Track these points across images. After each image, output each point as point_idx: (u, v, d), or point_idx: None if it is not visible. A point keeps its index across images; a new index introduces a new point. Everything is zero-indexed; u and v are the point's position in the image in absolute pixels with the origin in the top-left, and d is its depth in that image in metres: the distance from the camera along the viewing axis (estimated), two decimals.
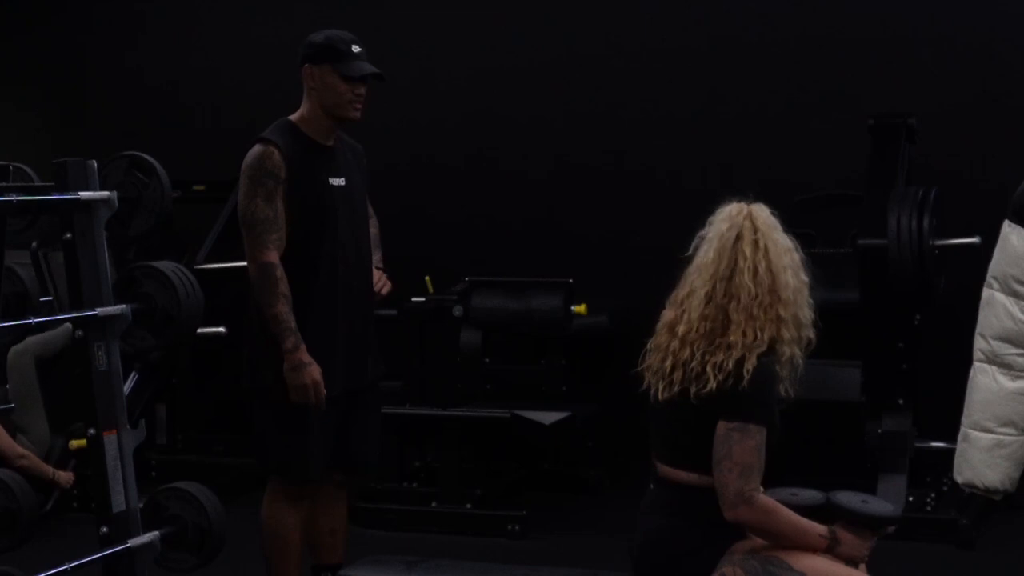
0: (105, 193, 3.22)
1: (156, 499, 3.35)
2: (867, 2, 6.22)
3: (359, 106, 3.95)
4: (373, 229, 4.20)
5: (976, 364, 3.96)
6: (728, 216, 3.19)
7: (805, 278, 3.15)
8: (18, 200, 3.09)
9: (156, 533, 3.25)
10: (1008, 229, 3.86)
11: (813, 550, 3.03)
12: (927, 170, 5.61)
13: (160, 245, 5.68)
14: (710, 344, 3.05)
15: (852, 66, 6.16)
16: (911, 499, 5.23)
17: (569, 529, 5.48)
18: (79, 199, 3.16)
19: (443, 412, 5.53)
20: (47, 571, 2.96)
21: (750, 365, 2.99)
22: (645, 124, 6.50)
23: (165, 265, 3.35)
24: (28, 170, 3.48)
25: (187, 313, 3.30)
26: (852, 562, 3.08)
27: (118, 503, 3.18)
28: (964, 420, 4.01)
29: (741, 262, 3.09)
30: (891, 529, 3.15)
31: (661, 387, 3.10)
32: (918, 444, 5.38)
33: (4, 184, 3.26)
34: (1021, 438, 3.92)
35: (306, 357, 3.80)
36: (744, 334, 3.02)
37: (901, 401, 5.34)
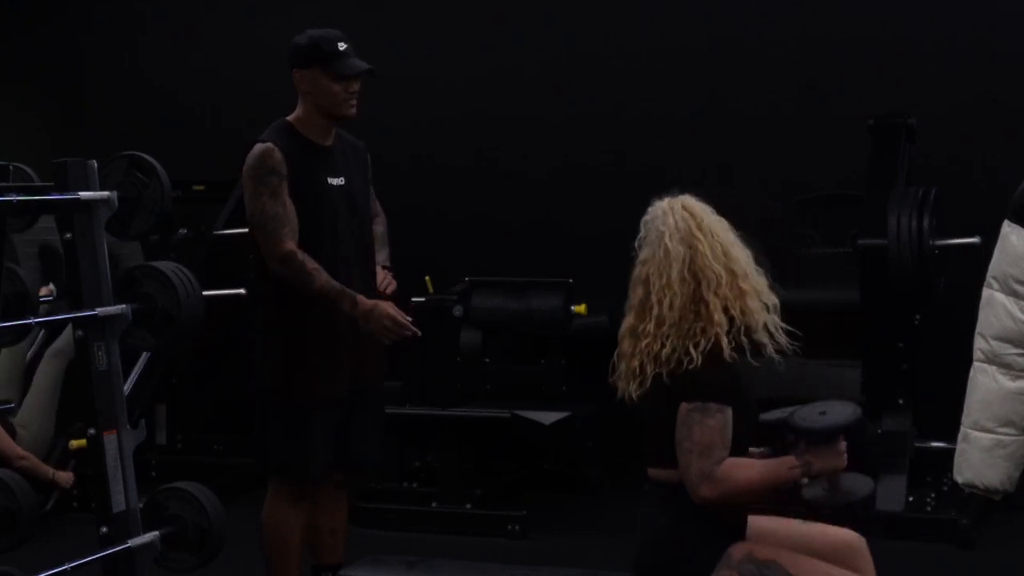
0: (105, 193, 3.22)
1: (156, 499, 3.35)
2: (867, 2, 6.22)
3: (354, 103, 3.94)
4: (379, 227, 4.20)
5: (976, 364, 3.95)
6: (665, 212, 3.26)
7: (748, 249, 3.22)
8: (18, 200, 3.09)
9: (156, 533, 3.25)
10: (1008, 229, 3.86)
11: (792, 485, 3.04)
12: (927, 170, 5.61)
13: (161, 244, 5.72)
14: (680, 331, 3.08)
15: (852, 66, 6.16)
16: (911, 499, 5.23)
17: (569, 529, 5.48)
18: (79, 199, 3.16)
19: (443, 412, 5.53)
20: (47, 571, 2.96)
21: (708, 345, 3.05)
22: (645, 124, 6.50)
23: (165, 265, 3.35)
24: (28, 170, 3.48)
25: (187, 313, 3.30)
26: (834, 474, 3.06)
27: (118, 503, 3.18)
28: (964, 420, 4.00)
29: (699, 246, 3.15)
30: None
31: (634, 386, 3.12)
32: (918, 444, 5.38)
33: (4, 184, 3.26)
34: (1021, 438, 3.91)
35: (367, 303, 3.81)
36: (723, 312, 3.08)
37: (901, 401, 5.34)
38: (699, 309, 3.09)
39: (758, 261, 3.21)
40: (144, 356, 5.77)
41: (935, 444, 5.38)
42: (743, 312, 3.11)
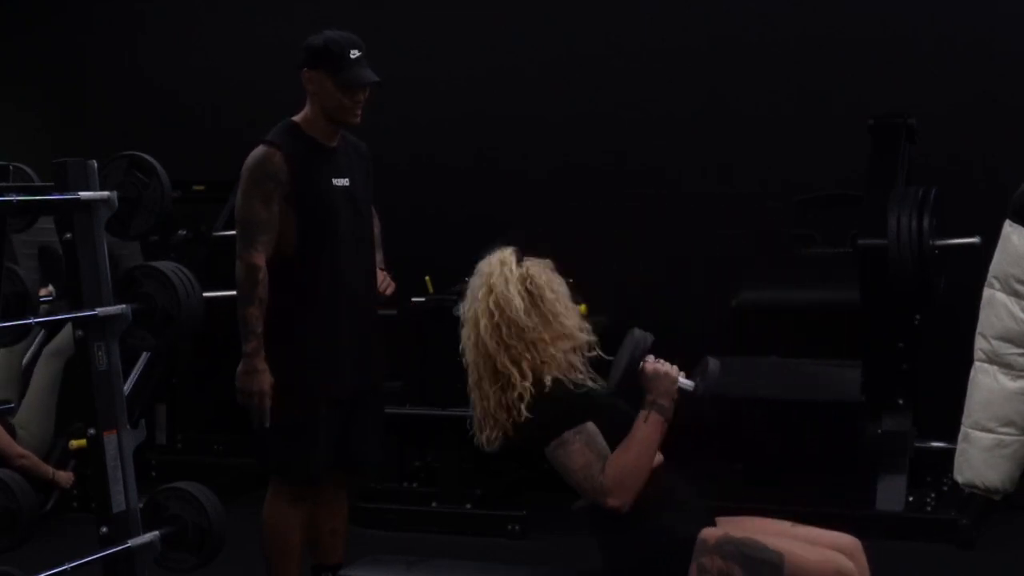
0: (105, 193, 3.22)
1: (156, 499, 3.35)
2: (867, 2, 6.22)
3: (359, 112, 3.95)
4: (375, 229, 4.20)
5: (977, 364, 3.96)
6: (477, 273, 3.46)
7: (564, 288, 3.44)
8: (18, 200, 3.08)
9: (156, 533, 3.25)
10: (1009, 229, 3.86)
11: (666, 428, 3.22)
12: (927, 170, 5.61)
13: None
14: (504, 387, 3.29)
15: (852, 66, 6.15)
16: (911, 499, 5.23)
17: (569, 529, 5.47)
18: (79, 199, 3.16)
19: (443, 412, 5.52)
20: (47, 571, 2.96)
21: (532, 390, 3.25)
22: (645, 124, 6.49)
23: (165, 265, 3.35)
24: (28, 170, 3.48)
25: (187, 313, 3.30)
26: (674, 383, 3.23)
27: (118, 503, 3.18)
28: (965, 420, 4.01)
29: (502, 300, 3.33)
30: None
31: (491, 437, 3.34)
32: (918, 444, 5.38)
33: (4, 184, 3.25)
34: (1022, 438, 3.92)
35: (262, 364, 3.86)
36: (529, 365, 3.28)
37: (901, 401, 5.34)
38: (505, 369, 3.28)
39: (574, 297, 3.43)
40: (144, 356, 5.77)
41: (935, 444, 5.38)
42: (543, 362, 3.29)
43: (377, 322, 4.13)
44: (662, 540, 3.17)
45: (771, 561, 3.03)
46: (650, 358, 3.25)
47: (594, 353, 3.38)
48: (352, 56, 3.89)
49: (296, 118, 3.99)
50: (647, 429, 3.18)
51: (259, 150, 3.88)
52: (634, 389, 3.29)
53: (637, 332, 3.29)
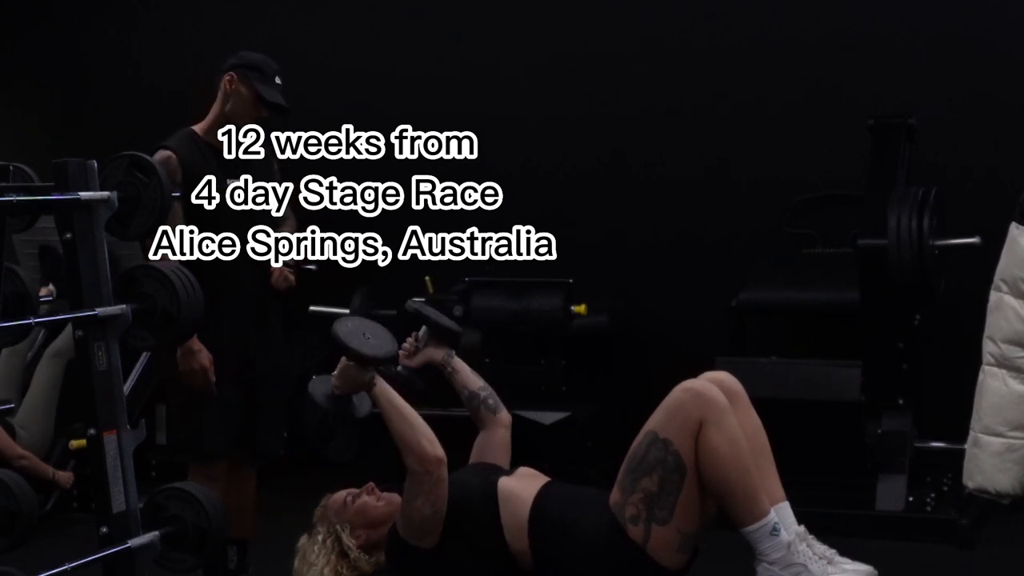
0: (105, 193, 3.22)
1: (156, 499, 3.35)
2: (867, 2, 6.22)
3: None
4: (287, 228, 4.42)
5: (985, 368, 3.92)
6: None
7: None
8: (18, 200, 3.08)
9: (156, 533, 3.24)
10: (1016, 231, 3.83)
11: (387, 386, 3.67)
12: (927, 170, 5.61)
13: None
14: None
15: (852, 66, 6.16)
16: (911, 499, 5.23)
17: None
18: (79, 199, 3.16)
19: (443, 412, 5.51)
20: (47, 571, 2.96)
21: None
22: (645, 124, 6.50)
23: (165, 265, 3.35)
24: (28, 170, 3.47)
25: (187, 313, 3.30)
26: (360, 367, 3.56)
27: (118, 503, 3.18)
28: (974, 425, 3.97)
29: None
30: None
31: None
32: (918, 444, 5.38)
33: (4, 184, 3.25)
34: None
35: (196, 344, 4.03)
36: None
37: (901, 401, 5.34)
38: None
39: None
40: (144, 356, 5.77)
41: (935, 444, 5.38)
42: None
43: (277, 313, 4.38)
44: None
45: None
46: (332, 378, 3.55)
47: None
48: (277, 81, 4.24)
49: (195, 127, 4.31)
50: (381, 403, 3.60)
51: (157, 155, 4.12)
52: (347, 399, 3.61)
53: (312, 387, 3.59)
